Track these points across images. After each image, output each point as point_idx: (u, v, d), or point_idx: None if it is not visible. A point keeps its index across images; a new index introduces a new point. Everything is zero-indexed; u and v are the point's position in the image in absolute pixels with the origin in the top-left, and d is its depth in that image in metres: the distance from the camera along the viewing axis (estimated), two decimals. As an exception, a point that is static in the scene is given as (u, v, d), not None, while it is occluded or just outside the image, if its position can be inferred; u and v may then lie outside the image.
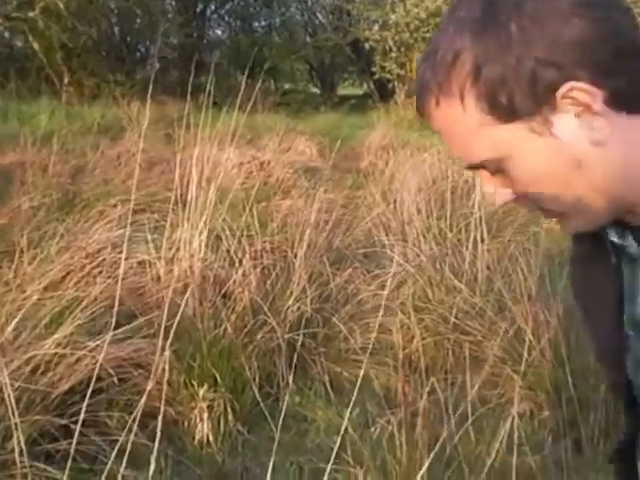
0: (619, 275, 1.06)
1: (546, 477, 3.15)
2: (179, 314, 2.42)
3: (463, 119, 0.94)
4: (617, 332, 1.07)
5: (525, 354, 3.36)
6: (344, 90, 25.17)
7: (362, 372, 3.70)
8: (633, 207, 0.96)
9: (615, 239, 1.03)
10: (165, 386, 3.24)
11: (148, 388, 2.33)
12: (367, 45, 18.57)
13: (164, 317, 2.76)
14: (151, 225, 4.94)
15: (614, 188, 0.94)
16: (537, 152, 0.93)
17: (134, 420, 3.22)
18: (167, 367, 2.89)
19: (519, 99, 0.91)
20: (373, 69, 17.71)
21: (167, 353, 2.83)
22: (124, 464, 2.96)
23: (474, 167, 0.99)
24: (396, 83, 17.08)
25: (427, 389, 3.16)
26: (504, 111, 0.92)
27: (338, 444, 3.26)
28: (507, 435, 3.22)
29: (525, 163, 0.94)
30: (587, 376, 3.43)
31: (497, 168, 0.96)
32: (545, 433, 3.55)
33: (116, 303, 2.55)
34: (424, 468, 2.82)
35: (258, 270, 3.88)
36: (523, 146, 0.93)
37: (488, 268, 4.15)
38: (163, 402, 2.80)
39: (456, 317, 3.86)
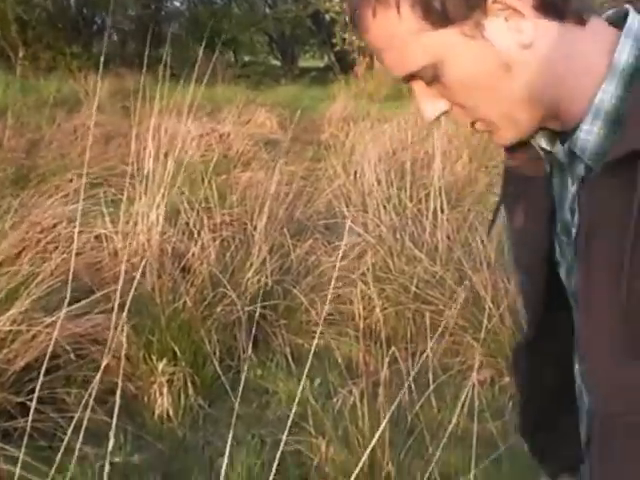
0: (550, 185, 1.10)
1: (507, 442, 3.17)
2: (133, 287, 2.37)
3: (399, 27, 0.96)
4: (549, 239, 1.12)
5: (485, 322, 3.37)
6: (305, 62, 25.00)
7: (323, 343, 3.72)
8: (558, 113, 1.00)
9: (545, 146, 1.07)
10: (123, 361, 3.21)
11: (104, 363, 2.29)
12: (328, 17, 18.42)
13: (119, 291, 2.72)
14: (108, 199, 4.87)
15: (541, 93, 0.98)
16: (469, 55, 0.96)
17: (91, 396, 3.19)
18: (124, 341, 2.85)
19: (452, 4, 0.93)
20: (334, 41, 17.60)
21: (124, 327, 2.78)
22: (82, 440, 2.95)
23: (410, 78, 1.01)
24: (357, 55, 16.99)
25: (388, 359, 3.15)
26: (438, 16, 0.94)
27: (300, 415, 3.27)
28: (468, 402, 3.24)
29: (458, 67, 0.97)
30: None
31: (432, 76, 0.98)
32: (506, 399, 3.57)
33: (70, 278, 2.50)
34: (386, 436, 2.83)
35: (217, 243, 3.83)
36: (456, 50, 0.96)
37: (448, 238, 4.16)
38: (121, 377, 2.76)
39: (417, 287, 3.86)
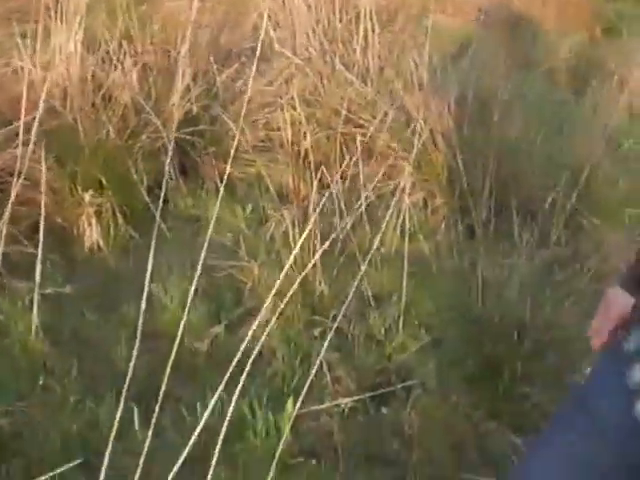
0: None
1: (439, 261, 3.21)
2: (39, 112, 2.24)
3: None
4: None
5: (417, 144, 3.33)
6: None
7: (253, 170, 3.66)
8: None
9: None
10: (44, 187, 3.12)
11: (13, 193, 2.19)
12: None
13: (38, 120, 2.60)
14: (25, 31, 4.60)
15: None
16: None
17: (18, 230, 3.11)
18: (44, 171, 2.73)
19: None
20: None
21: (42, 155, 2.67)
22: (13, 275, 2.90)
23: None
24: None
25: (317, 182, 3.12)
26: None
27: (232, 241, 3.25)
28: (400, 223, 3.25)
29: None
30: (477, 164, 3.44)
31: None
32: (438, 220, 3.59)
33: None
34: (317, 256, 2.83)
35: (139, 68, 3.66)
36: None
37: (379, 58, 4.04)
38: (44, 206, 2.69)
39: (348, 110, 3.78)
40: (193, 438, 1.23)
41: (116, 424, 1.45)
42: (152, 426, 1.29)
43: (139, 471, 1.30)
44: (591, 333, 1.40)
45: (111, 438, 1.48)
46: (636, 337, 1.24)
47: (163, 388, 1.29)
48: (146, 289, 1.33)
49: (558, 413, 1.39)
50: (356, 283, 2.70)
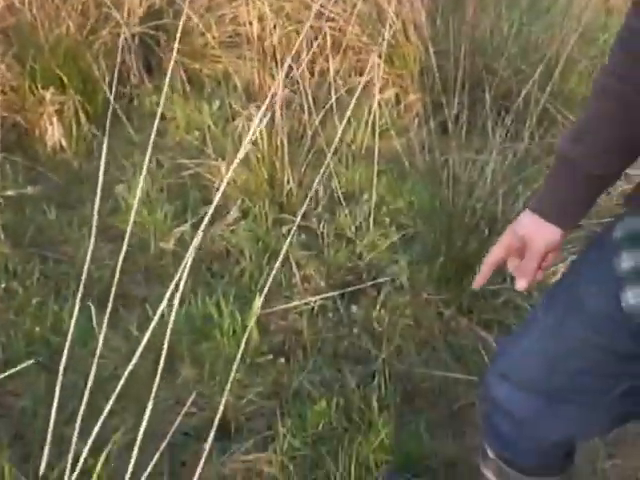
0: None
1: (411, 158, 3.16)
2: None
3: None
4: None
5: (388, 36, 3.23)
6: None
7: (221, 67, 3.55)
8: None
9: None
10: (4, 94, 3.03)
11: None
12: None
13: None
14: None
15: None
16: None
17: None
18: (3, 69, 2.63)
19: None
20: None
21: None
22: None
23: None
24: None
25: (287, 78, 3.03)
26: None
27: (199, 140, 3.18)
28: (371, 119, 3.18)
29: None
30: (449, 58, 3.34)
31: None
32: (410, 117, 3.52)
33: None
34: (285, 155, 2.77)
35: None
36: None
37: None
38: (4, 107, 2.60)
39: (319, 4, 3.64)
40: (149, 333, 1.18)
41: (73, 323, 1.42)
42: (105, 323, 1.25)
43: (94, 368, 1.27)
44: (516, 272, 1.33)
45: (69, 337, 1.44)
46: (623, 225, 1.20)
47: (114, 286, 1.24)
48: (99, 187, 1.27)
49: (544, 298, 1.34)
50: (322, 178, 2.65)
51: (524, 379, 1.35)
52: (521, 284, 1.29)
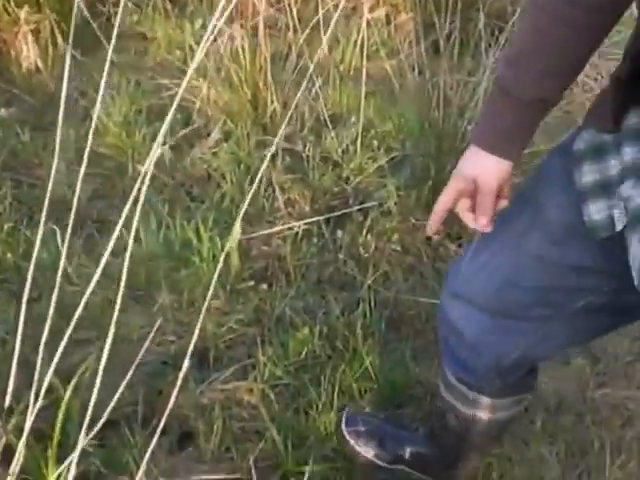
0: None
1: (402, 80, 3.05)
2: None
3: None
4: None
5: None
6: None
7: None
8: None
9: None
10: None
11: None
12: None
13: None
14: None
15: None
16: None
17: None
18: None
19: None
20: None
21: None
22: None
23: None
24: None
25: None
26: None
27: (181, 60, 3.06)
28: (360, 40, 3.06)
29: None
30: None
31: None
32: (401, 37, 3.40)
33: None
34: (268, 74, 2.66)
35: None
36: None
37: None
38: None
39: None
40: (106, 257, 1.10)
41: (37, 248, 1.35)
42: (66, 244, 1.17)
43: (56, 291, 1.20)
44: (476, 211, 1.22)
45: (32, 260, 1.38)
46: (585, 136, 1.12)
47: (74, 207, 1.16)
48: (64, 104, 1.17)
49: (504, 212, 1.26)
50: (308, 99, 2.55)
51: (473, 295, 1.31)
52: (482, 222, 1.21)
